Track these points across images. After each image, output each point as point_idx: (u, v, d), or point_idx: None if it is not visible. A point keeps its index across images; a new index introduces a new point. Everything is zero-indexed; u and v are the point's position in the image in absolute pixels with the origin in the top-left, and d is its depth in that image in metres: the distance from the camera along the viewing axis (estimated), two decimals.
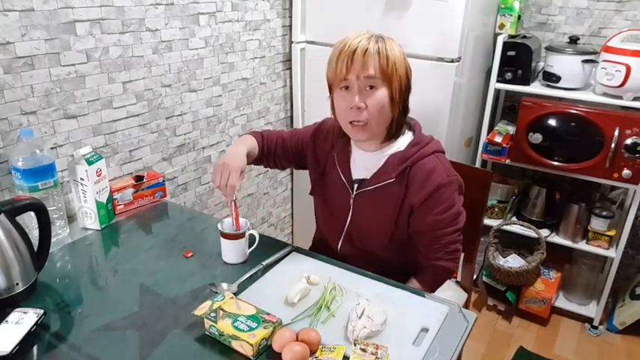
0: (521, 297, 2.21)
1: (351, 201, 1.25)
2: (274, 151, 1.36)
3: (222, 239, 1.19)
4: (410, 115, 1.26)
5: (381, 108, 1.10)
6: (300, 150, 1.36)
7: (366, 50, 1.07)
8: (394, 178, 1.17)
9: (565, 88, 1.96)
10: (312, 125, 1.37)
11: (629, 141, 1.83)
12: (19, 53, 1.22)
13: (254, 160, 1.33)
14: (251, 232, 1.20)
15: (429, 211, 1.16)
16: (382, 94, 1.10)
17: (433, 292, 1.22)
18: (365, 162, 1.22)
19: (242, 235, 1.18)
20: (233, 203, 1.17)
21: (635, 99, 1.83)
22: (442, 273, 1.23)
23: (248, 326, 0.92)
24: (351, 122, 1.13)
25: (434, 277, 1.24)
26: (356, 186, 1.23)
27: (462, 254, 1.35)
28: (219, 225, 1.19)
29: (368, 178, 1.21)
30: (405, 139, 1.20)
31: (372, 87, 1.09)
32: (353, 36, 1.11)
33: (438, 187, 1.14)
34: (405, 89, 1.14)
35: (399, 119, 1.16)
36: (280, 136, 1.38)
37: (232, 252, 1.19)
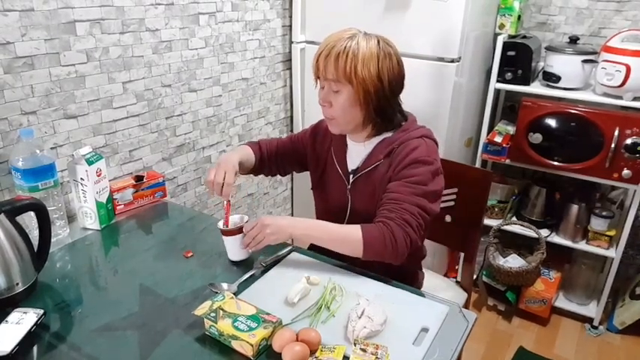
0: (521, 297, 2.21)
1: (348, 192, 1.27)
2: (274, 156, 1.40)
3: (223, 237, 1.18)
4: (410, 114, 1.27)
5: (343, 109, 1.16)
6: (300, 150, 1.39)
7: (328, 55, 1.12)
8: (382, 159, 1.21)
9: (565, 88, 1.96)
10: (310, 126, 1.41)
11: (629, 141, 1.83)
12: (19, 53, 1.22)
13: (253, 169, 1.38)
14: None
15: (400, 178, 1.16)
16: (344, 95, 1.14)
17: (366, 251, 1.09)
18: (359, 153, 1.26)
19: (241, 230, 1.17)
20: (228, 203, 1.17)
21: (635, 99, 1.83)
22: (386, 232, 1.09)
23: (248, 326, 0.92)
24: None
25: (377, 230, 1.10)
26: (351, 176, 1.27)
27: (462, 257, 1.33)
28: (219, 224, 1.19)
29: (360, 166, 1.26)
30: (395, 129, 1.24)
31: (336, 90, 1.15)
32: (332, 36, 1.16)
33: (414, 160, 1.15)
34: (377, 92, 1.13)
35: (373, 117, 1.18)
36: (279, 141, 1.43)
37: (235, 248, 1.18)
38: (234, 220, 1.21)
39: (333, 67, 1.12)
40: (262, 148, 1.39)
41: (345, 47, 1.11)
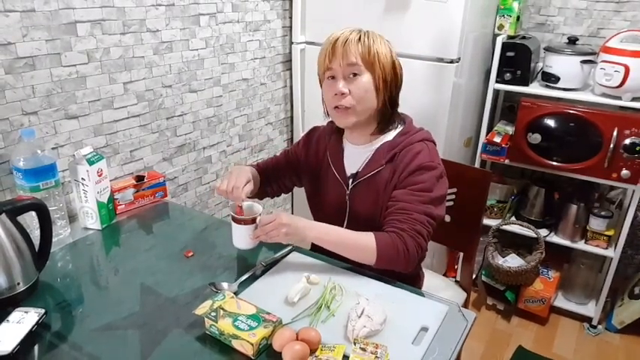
0: (520, 296, 2.22)
1: (347, 197, 1.26)
2: (272, 173, 1.39)
3: (233, 224, 1.17)
4: (410, 115, 1.28)
5: (363, 94, 1.15)
6: (294, 163, 1.39)
7: (347, 40, 1.13)
8: (384, 164, 1.20)
9: (564, 89, 1.97)
10: (302, 137, 1.41)
11: (627, 141, 1.84)
12: (20, 54, 1.22)
13: (258, 191, 1.37)
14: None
15: (406, 186, 1.17)
16: (365, 80, 1.15)
17: (379, 260, 1.10)
18: (357, 156, 1.26)
19: (254, 221, 1.16)
20: (240, 208, 1.17)
21: (634, 99, 1.84)
22: (400, 243, 1.09)
23: (248, 325, 0.92)
24: (335, 107, 1.18)
25: (390, 241, 1.10)
26: (350, 181, 1.26)
27: (462, 257, 1.33)
28: (230, 208, 1.18)
29: (360, 170, 1.24)
30: (394, 131, 1.24)
31: (355, 74, 1.14)
32: (339, 30, 1.17)
33: (419, 166, 1.16)
34: (392, 82, 1.18)
35: (385, 110, 1.20)
36: (275, 157, 1.43)
37: (244, 237, 1.17)
38: (245, 207, 1.19)
39: (355, 50, 1.12)
40: (261, 167, 1.39)
41: (361, 35, 1.14)
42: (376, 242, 1.10)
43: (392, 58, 1.18)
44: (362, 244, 1.11)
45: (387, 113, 1.21)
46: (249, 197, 1.21)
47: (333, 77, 1.17)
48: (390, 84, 1.18)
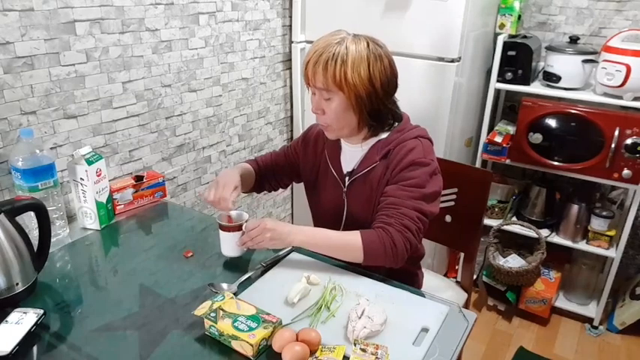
0: (521, 297, 2.21)
1: (344, 195, 1.26)
2: (271, 169, 1.40)
3: (220, 232, 1.17)
4: (409, 114, 1.28)
5: (335, 115, 1.15)
6: (294, 161, 1.39)
7: (316, 63, 1.11)
8: (378, 161, 1.20)
9: (565, 88, 1.96)
10: (301, 134, 1.41)
11: (629, 141, 1.83)
12: (19, 53, 1.22)
13: (255, 186, 1.39)
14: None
15: (398, 181, 1.16)
16: (337, 101, 1.14)
17: (366, 257, 1.11)
18: (353, 154, 1.26)
19: (240, 228, 1.16)
20: (229, 218, 1.17)
21: (636, 99, 1.83)
22: (386, 238, 1.09)
23: (248, 326, 0.92)
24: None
25: (376, 237, 1.10)
26: (346, 179, 1.26)
27: (462, 257, 1.33)
28: (217, 217, 1.19)
29: (356, 168, 1.25)
30: (389, 129, 1.23)
31: (327, 98, 1.14)
32: (320, 41, 1.14)
33: (411, 162, 1.15)
34: (369, 95, 1.12)
35: (368, 120, 1.17)
36: (273, 153, 1.44)
37: (231, 244, 1.17)
38: (233, 215, 1.20)
39: (322, 75, 1.11)
40: (259, 163, 1.40)
41: (333, 53, 1.09)
42: (362, 240, 1.10)
43: (368, 72, 1.10)
44: (348, 244, 1.12)
45: (372, 123, 1.19)
46: (244, 191, 1.22)
47: (313, 93, 1.18)
48: (367, 98, 1.13)
